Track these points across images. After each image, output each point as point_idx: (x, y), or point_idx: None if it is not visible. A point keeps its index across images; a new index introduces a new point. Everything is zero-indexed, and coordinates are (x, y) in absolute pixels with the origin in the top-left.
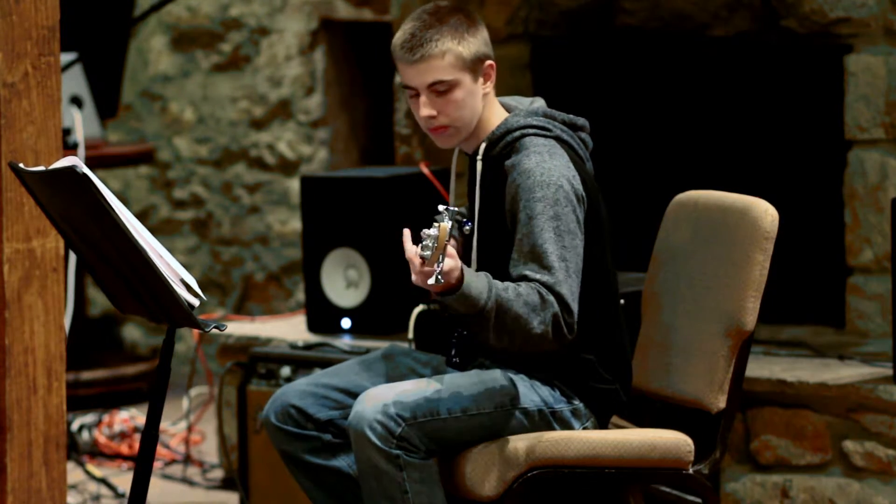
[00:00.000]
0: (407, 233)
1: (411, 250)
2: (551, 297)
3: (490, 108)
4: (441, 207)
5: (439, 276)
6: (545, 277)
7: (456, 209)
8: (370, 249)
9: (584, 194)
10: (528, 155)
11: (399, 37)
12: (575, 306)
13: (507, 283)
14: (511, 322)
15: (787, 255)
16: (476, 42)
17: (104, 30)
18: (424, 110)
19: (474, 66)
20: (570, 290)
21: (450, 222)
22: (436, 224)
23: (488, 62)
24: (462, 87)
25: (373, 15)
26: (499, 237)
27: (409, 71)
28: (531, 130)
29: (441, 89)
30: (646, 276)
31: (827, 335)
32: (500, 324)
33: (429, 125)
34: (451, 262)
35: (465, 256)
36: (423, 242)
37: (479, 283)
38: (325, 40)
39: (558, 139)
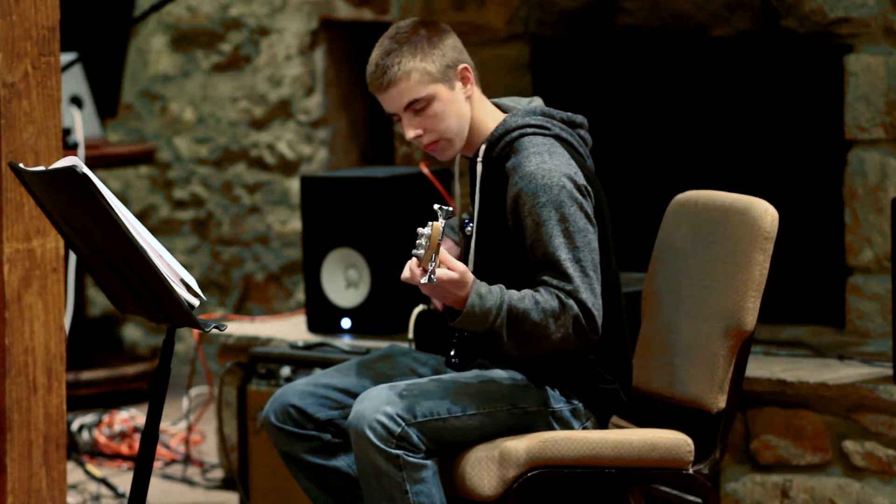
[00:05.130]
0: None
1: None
2: (571, 301)
3: (482, 111)
4: (436, 206)
5: (432, 276)
6: (563, 285)
7: (451, 209)
8: (370, 249)
9: (588, 187)
10: (529, 156)
11: (368, 69)
12: (597, 305)
13: (524, 292)
14: (530, 330)
15: (787, 255)
16: (440, 52)
17: (104, 30)
18: (409, 132)
19: (446, 76)
20: (590, 290)
21: (443, 221)
22: (430, 223)
23: (461, 66)
24: (438, 99)
25: (373, 15)
26: (499, 239)
27: (384, 99)
28: (530, 130)
29: (418, 107)
30: (646, 276)
31: (827, 335)
32: (516, 334)
33: (420, 144)
34: (455, 275)
35: (465, 257)
36: (418, 241)
37: (488, 300)
38: (325, 40)
39: (557, 137)
